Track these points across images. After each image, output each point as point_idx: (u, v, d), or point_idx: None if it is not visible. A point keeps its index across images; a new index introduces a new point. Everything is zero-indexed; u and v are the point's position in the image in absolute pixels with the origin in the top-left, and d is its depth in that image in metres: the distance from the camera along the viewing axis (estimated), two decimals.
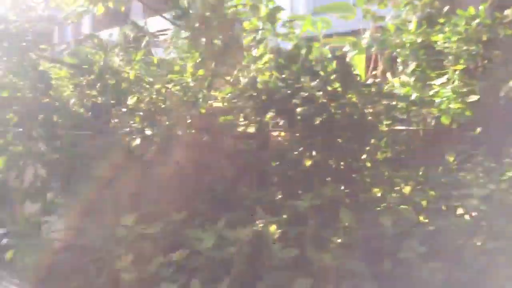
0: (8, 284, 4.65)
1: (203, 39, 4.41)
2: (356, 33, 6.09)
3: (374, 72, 6.13)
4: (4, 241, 4.13)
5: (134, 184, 4.35)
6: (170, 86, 4.91)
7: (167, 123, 4.68)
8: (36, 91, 4.62)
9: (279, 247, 3.08)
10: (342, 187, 4.02)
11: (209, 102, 4.67)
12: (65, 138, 4.56)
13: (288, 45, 5.09)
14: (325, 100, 4.24)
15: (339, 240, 3.32)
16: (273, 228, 3.30)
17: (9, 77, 4.86)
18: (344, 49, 5.69)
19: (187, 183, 4.37)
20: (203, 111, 4.52)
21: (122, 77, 4.65)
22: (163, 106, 4.81)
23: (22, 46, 4.94)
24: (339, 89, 4.28)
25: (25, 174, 4.43)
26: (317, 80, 4.13)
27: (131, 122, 4.70)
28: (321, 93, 4.27)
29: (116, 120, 4.86)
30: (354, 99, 4.40)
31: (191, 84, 4.76)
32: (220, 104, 4.86)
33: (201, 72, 4.57)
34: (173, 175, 4.40)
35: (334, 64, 4.54)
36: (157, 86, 4.77)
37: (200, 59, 4.51)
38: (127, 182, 4.37)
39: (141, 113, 4.77)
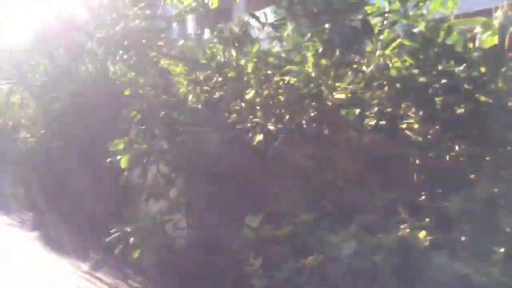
0: (133, 282, 4.70)
1: (327, 25, 4.06)
2: (486, 12, 5.41)
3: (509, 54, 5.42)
4: (131, 239, 4.12)
5: (257, 182, 4.15)
6: (287, 78, 4.64)
7: (287, 117, 4.43)
8: (156, 88, 4.59)
9: (445, 262, 2.66)
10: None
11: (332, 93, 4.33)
12: (185, 135, 4.48)
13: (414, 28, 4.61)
14: (469, 87, 3.71)
15: (502, 250, 2.82)
16: (422, 234, 2.89)
17: (131, 75, 4.90)
18: (475, 31, 5.06)
19: (312, 181, 4.08)
20: (329, 103, 4.18)
21: (242, 71, 4.45)
22: (282, 99, 4.55)
23: (141, 43, 4.95)
24: (486, 74, 3.73)
25: (148, 172, 4.41)
26: (463, 65, 3.62)
27: (251, 117, 4.50)
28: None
29: (234, 115, 4.69)
30: (500, 85, 3.84)
31: (312, 75, 4.44)
32: (342, 96, 4.50)
33: (324, 61, 4.23)
34: (297, 172, 4.13)
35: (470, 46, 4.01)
36: (275, 79, 4.51)
37: (322, 47, 4.16)
38: (250, 180, 4.18)
39: (258, 108, 4.57)
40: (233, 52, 4.72)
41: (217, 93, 4.84)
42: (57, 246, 6.04)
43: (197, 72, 4.97)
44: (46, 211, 7.44)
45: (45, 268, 5.35)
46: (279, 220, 3.78)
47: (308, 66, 4.48)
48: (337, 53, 4.14)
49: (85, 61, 6.97)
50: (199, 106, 4.86)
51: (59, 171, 6.96)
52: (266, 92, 4.63)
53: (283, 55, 4.93)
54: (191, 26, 18.04)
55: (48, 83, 7.09)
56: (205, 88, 4.99)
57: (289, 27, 4.85)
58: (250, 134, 4.18)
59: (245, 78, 4.46)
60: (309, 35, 4.46)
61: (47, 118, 7.20)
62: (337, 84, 4.46)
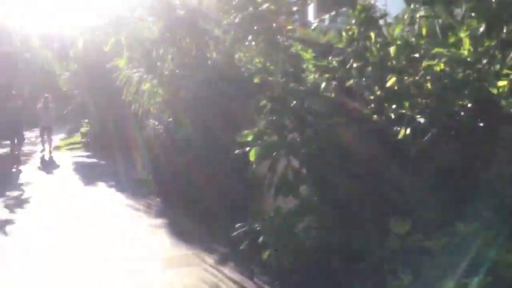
0: (259, 281, 4.46)
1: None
2: None
3: None
4: (260, 238, 3.86)
5: (401, 183, 3.64)
6: (435, 62, 4.04)
7: (435, 108, 3.84)
8: (287, 75, 4.26)
9: None
10: None
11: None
12: (318, 127, 4.10)
13: None
14: None
15: None
16: None
17: (259, 62, 4.63)
18: None
19: (468, 184, 3.47)
20: (493, 91, 3.54)
21: (385, 55, 3.95)
22: (430, 87, 3.96)
23: (271, 28, 4.65)
24: None
25: (278, 166, 4.11)
26: None
27: (393, 107, 3.99)
28: None
29: (372, 105, 4.21)
30: None
31: (468, 59, 3.80)
32: (505, 83, 3.80)
33: (487, 42, 3.58)
34: (449, 172, 3.55)
35: None
36: (425, 64, 3.93)
37: (485, 25, 3.51)
38: (392, 179, 3.69)
39: (401, 97, 4.04)
40: (372, 35, 4.23)
41: (351, 80, 4.38)
42: (182, 236, 6.03)
43: (329, 58, 4.55)
44: (172, 198, 7.55)
45: (168, 258, 5.34)
46: (429, 228, 3.26)
47: (463, 49, 3.85)
48: (504, 31, 3.48)
49: (210, 49, 6.88)
50: (332, 95, 4.44)
51: (185, 159, 6.98)
52: (410, 79, 4.08)
53: (413, 40, 4.35)
54: (311, 11, 17.56)
55: (176, 72, 7.13)
56: (336, 75, 4.56)
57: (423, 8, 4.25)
58: (395, 128, 3.66)
59: (388, 64, 3.95)
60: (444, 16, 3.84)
61: (174, 107, 7.26)
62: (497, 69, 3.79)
